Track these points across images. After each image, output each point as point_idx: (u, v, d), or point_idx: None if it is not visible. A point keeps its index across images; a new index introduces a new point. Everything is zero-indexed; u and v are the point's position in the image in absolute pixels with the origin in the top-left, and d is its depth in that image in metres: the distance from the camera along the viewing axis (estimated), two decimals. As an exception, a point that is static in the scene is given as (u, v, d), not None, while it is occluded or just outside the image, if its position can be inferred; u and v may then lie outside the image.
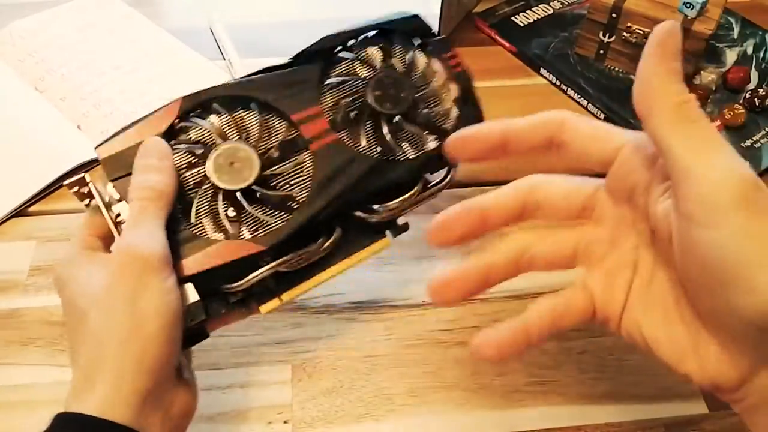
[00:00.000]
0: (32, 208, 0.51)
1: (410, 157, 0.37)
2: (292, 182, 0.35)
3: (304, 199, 0.34)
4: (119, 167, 0.33)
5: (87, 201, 0.34)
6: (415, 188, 0.37)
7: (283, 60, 0.40)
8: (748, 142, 0.56)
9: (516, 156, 0.31)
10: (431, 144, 0.38)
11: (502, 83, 0.62)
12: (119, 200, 0.33)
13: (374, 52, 0.40)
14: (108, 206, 0.33)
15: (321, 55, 0.38)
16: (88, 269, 0.31)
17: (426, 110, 0.39)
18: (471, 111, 0.39)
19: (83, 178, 0.33)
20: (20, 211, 0.50)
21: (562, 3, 0.70)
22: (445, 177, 0.39)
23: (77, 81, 0.60)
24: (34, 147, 0.54)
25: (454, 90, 0.40)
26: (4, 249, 0.48)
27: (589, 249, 0.31)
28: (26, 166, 0.53)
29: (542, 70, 0.63)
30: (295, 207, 0.34)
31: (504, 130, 0.31)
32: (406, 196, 0.37)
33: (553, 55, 0.64)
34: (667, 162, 0.25)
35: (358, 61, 0.39)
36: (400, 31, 0.40)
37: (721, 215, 0.23)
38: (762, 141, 0.56)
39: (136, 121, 0.34)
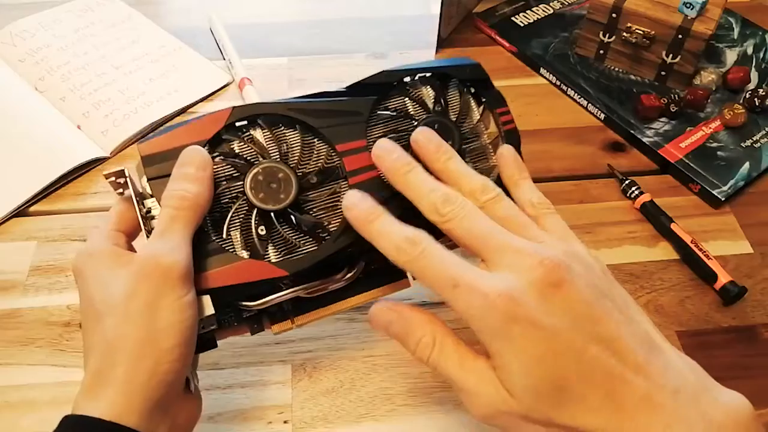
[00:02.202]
0: (33, 208, 0.51)
1: None
2: (327, 210, 0.35)
3: (335, 229, 0.34)
4: (158, 168, 0.32)
5: (120, 191, 0.33)
6: (446, 236, 0.36)
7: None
8: (748, 142, 0.56)
9: None
10: None
11: (502, 83, 0.62)
12: (152, 195, 0.32)
13: (427, 93, 0.39)
14: (141, 199, 0.33)
15: (376, 89, 0.37)
16: (109, 270, 0.30)
17: (469, 163, 0.37)
18: None
19: (122, 170, 0.33)
20: (21, 211, 0.50)
21: (562, 3, 0.70)
22: None
23: (77, 81, 0.60)
24: (34, 147, 0.54)
25: (501, 147, 0.38)
26: (5, 249, 0.48)
27: None
28: (26, 166, 0.53)
29: (542, 70, 0.63)
30: (325, 236, 0.34)
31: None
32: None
33: (553, 55, 0.64)
34: None
35: (410, 99, 0.38)
36: (458, 78, 0.39)
37: None
38: (762, 141, 0.56)
39: (183, 122, 0.34)
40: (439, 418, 0.41)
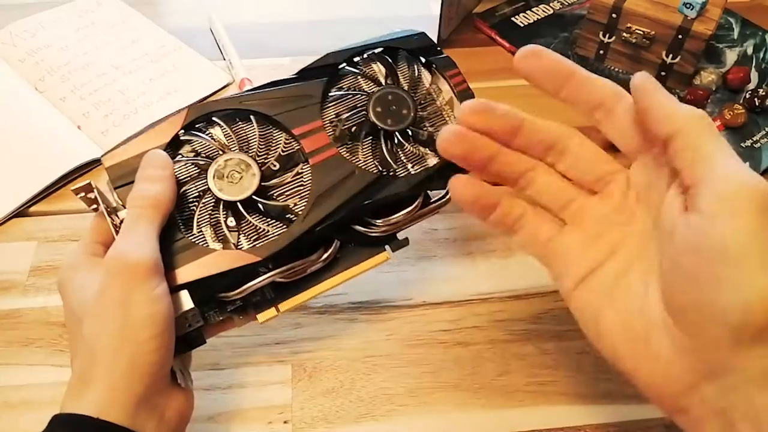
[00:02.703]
0: (33, 209, 0.51)
1: (410, 173, 0.37)
2: (292, 194, 0.35)
3: (302, 211, 0.34)
4: (123, 175, 0.33)
5: (94, 206, 0.34)
6: (415, 203, 0.38)
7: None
8: (748, 142, 0.56)
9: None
10: (432, 161, 0.38)
11: (502, 83, 0.62)
12: (124, 206, 0.33)
13: (378, 69, 0.40)
14: (114, 212, 0.34)
15: (326, 71, 0.38)
16: (85, 276, 0.31)
17: (428, 128, 0.39)
18: None
19: (89, 184, 0.34)
20: (21, 212, 0.50)
21: (562, 3, 0.70)
22: (447, 194, 0.39)
23: (77, 81, 0.60)
24: (34, 147, 0.54)
25: (457, 108, 0.40)
26: (5, 249, 0.48)
27: (580, 212, 0.32)
28: (26, 166, 0.53)
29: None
30: (293, 219, 0.34)
31: (579, 77, 0.32)
32: (405, 211, 0.37)
33: (553, 55, 0.64)
34: (696, 165, 0.26)
35: (362, 77, 0.39)
36: (406, 49, 0.40)
37: (737, 218, 0.24)
38: (762, 141, 0.56)
39: (143, 131, 0.35)
40: (439, 418, 0.41)
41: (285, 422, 0.40)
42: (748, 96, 0.59)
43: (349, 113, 0.38)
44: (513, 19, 0.68)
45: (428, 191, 0.39)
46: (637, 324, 0.28)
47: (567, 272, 0.31)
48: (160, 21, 0.68)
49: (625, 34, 0.59)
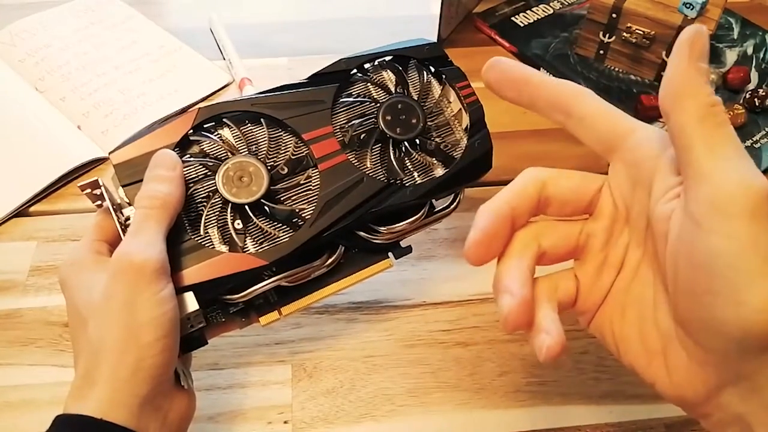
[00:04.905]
0: (33, 209, 0.51)
1: (417, 183, 0.37)
2: (300, 198, 0.35)
3: (309, 216, 0.34)
4: (131, 173, 0.33)
5: (99, 202, 0.34)
6: (420, 213, 0.38)
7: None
8: (748, 142, 0.56)
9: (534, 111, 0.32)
10: (439, 171, 0.38)
11: (502, 83, 0.62)
12: (130, 204, 0.33)
13: (388, 76, 0.40)
14: (119, 209, 0.33)
15: (337, 77, 0.38)
16: (91, 275, 0.31)
17: (436, 138, 0.39)
18: (480, 142, 0.39)
19: (96, 180, 0.33)
20: (21, 212, 0.50)
21: (562, 3, 0.70)
22: (451, 203, 0.40)
23: (77, 81, 0.60)
24: (34, 147, 0.54)
25: (465, 120, 0.40)
26: (5, 249, 0.48)
27: (588, 242, 0.30)
28: (26, 166, 0.53)
29: (542, 70, 0.63)
30: (300, 223, 0.34)
31: (536, 80, 0.31)
32: (410, 220, 0.37)
33: (553, 55, 0.64)
34: (684, 161, 0.24)
35: (373, 84, 0.39)
36: (416, 58, 0.40)
37: (728, 223, 0.22)
38: (762, 141, 0.56)
39: (152, 128, 0.34)
40: (439, 418, 0.41)
41: (285, 422, 0.40)
42: (748, 96, 0.59)
43: (359, 120, 0.38)
44: (513, 18, 0.68)
45: (433, 201, 0.39)
46: (652, 336, 0.27)
47: (585, 305, 0.30)
48: (160, 21, 0.68)
49: (625, 33, 0.59)
